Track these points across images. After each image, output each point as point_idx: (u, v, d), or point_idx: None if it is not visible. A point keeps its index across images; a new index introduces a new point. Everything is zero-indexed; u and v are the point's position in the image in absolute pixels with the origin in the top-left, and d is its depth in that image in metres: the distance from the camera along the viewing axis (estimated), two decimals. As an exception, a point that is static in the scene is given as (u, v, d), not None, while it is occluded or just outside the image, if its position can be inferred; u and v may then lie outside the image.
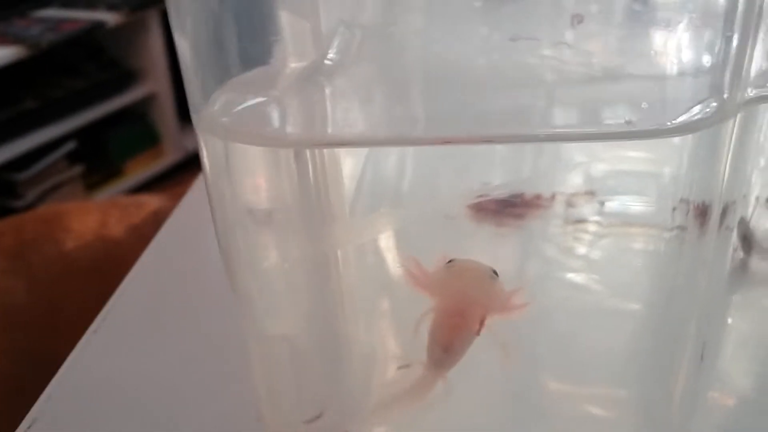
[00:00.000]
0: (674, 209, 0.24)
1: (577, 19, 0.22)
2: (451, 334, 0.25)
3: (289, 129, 0.24)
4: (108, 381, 0.38)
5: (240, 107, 0.23)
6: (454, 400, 0.27)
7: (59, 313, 0.59)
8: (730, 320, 0.31)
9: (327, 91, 0.23)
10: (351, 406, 0.29)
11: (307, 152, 0.24)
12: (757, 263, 0.32)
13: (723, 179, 0.23)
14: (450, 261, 0.25)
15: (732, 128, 0.23)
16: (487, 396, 0.28)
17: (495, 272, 0.25)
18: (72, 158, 1.69)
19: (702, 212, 0.24)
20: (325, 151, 0.25)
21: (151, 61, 1.83)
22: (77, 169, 1.70)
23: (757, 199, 0.30)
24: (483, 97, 0.23)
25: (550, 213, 0.27)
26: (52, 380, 0.39)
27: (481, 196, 0.26)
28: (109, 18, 1.70)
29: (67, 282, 0.60)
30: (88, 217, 0.62)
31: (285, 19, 0.22)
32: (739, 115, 0.22)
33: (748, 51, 0.21)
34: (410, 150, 0.29)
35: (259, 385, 0.29)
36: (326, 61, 0.23)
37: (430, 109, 0.24)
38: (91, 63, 1.76)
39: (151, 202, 0.66)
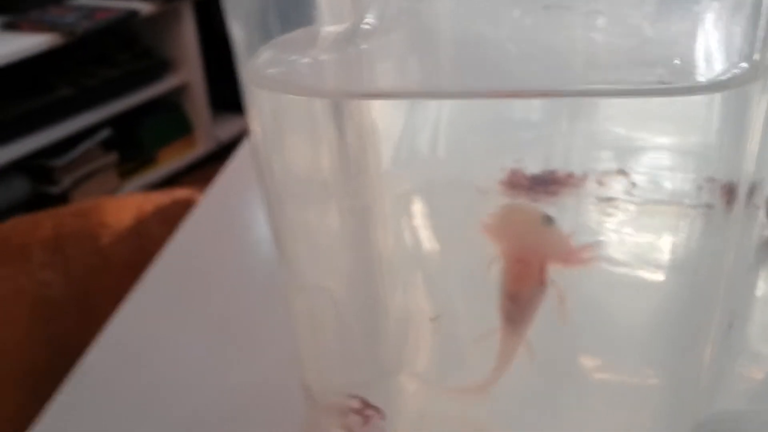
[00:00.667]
0: (700, 187, 0.24)
1: None
2: (515, 282, 0.24)
3: (330, 81, 0.25)
4: (149, 346, 0.40)
5: (284, 61, 0.24)
6: (479, 369, 0.27)
7: (94, 307, 0.60)
8: (759, 293, 0.32)
9: (365, 50, 0.24)
10: (388, 364, 0.30)
11: (345, 108, 0.25)
12: None
13: (751, 158, 0.24)
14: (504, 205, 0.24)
15: (759, 100, 0.23)
16: (516, 364, 0.28)
17: (549, 217, 0.24)
18: (107, 146, 1.71)
19: (729, 190, 0.24)
20: (363, 109, 0.25)
21: (184, 51, 1.84)
22: (111, 157, 1.73)
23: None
24: (516, 55, 0.24)
25: (582, 191, 0.27)
26: (91, 344, 0.42)
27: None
28: (143, 7, 1.71)
29: (103, 277, 0.60)
30: (124, 212, 0.62)
31: None
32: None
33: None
34: (444, 122, 0.29)
35: (302, 350, 0.30)
36: (363, 25, 0.24)
37: (465, 66, 0.25)
38: (125, 52, 1.78)
39: (186, 196, 0.66)
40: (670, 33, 0.24)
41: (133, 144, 1.79)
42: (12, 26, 1.57)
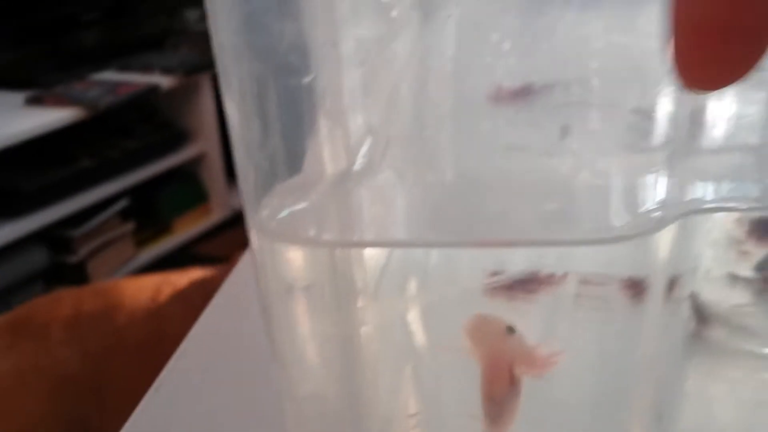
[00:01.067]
0: (618, 284, 0.26)
1: (565, 131, 0.26)
2: (489, 384, 0.27)
3: (325, 233, 0.27)
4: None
5: (283, 213, 0.27)
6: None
7: (107, 386, 0.62)
8: (692, 384, 0.34)
9: (355, 195, 0.27)
10: None
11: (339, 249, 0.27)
12: (717, 333, 0.36)
13: (663, 255, 0.26)
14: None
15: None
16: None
17: (511, 327, 0.26)
18: (124, 215, 1.75)
19: (632, 285, 0.26)
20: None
21: (202, 122, 1.90)
22: (128, 226, 1.76)
23: (709, 272, 0.34)
24: (488, 201, 0.27)
25: (560, 290, 0.29)
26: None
27: (495, 275, 0.28)
28: (164, 81, 1.77)
29: (117, 357, 0.63)
30: (141, 293, 0.65)
31: (321, 127, 0.26)
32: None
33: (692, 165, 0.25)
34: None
35: None
36: (355, 167, 0.26)
37: (450, 213, 0.27)
38: (145, 124, 1.83)
39: (201, 276, 0.69)
40: (597, 181, 0.26)
41: (150, 213, 1.83)
42: (37, 101, 1.64)
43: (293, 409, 0.31)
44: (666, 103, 0.25)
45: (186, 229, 1.89)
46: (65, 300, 0.65)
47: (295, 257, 0.28)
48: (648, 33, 0.23)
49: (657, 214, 0.25)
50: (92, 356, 0.62)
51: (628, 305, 0.27)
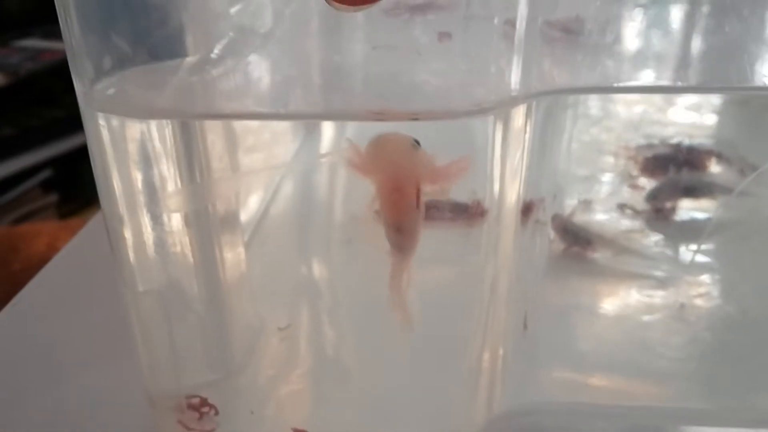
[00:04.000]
0: (475, 201, 0.27)
1: (445, 36, 0.27)
2: (394, 211, 0.26)
3: (173, 103, 0.28)
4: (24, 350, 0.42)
5: (110, 91, 0.28)
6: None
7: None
8: (573, 300, 0.38)
9: (209, 76, 0.28)
10: (230, 367, 0.32)
11: (191, 126, 0.29)
12: (601, 255, 0.40)
13: (520, 179, 0.27)
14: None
15: (524, 126, 0.26)
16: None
17: (417, 141, 0.25)
18: (46, 186, 1.70)
19: (479, 208, 0.27)
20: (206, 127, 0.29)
21: (130, 93, 1.86)
22: (52, 198, 1.71)
23: (594, 203, 0.39)
24: (346, 82, 0.29)
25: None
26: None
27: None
28: (90, 50, 1.72)
29: (11, 301, 0.61)
30: (38, 240, 0.63)
31: (185, 23, 0.27)
32: (534, 117, 0.27)
33: (534, 51, 0.26)
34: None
35: (140, 355, 0.31)
36: (212, 56, 0.28)
37: (303, 89, 0.29)
38: (69, 93, 1.78)
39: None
40: (455, 67, 0.28)
41: (75, 185, 1.78)
42: (-46, 66, 1.58)
43: (134, 304, 0.31)
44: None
45: (112, 203, 1.85)
46: (-41, 247, 0.62)
47: (140, 135, 0.29)
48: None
49: (513, 92, 0.26)
50: (-16, 302, 0.60)
51: (483, 227, 0.27)
